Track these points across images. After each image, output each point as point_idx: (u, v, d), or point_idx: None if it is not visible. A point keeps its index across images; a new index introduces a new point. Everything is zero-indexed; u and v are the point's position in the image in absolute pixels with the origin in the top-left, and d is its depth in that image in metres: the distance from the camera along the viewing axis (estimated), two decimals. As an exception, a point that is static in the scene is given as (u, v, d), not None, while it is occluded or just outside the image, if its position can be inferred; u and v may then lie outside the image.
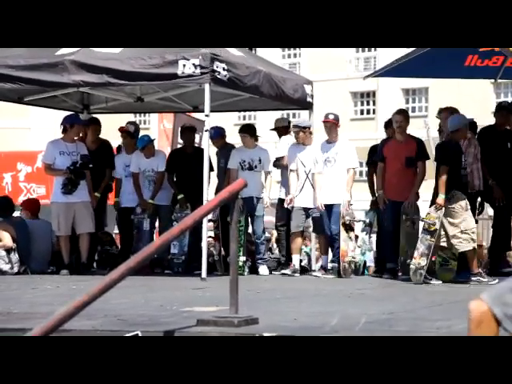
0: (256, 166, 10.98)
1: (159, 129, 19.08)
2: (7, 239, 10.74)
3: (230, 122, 22.00)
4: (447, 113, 9.98)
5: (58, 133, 11.41)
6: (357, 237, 12.21)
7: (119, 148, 11.88)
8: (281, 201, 11.10)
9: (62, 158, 10.65)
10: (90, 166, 10.74)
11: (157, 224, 11.55)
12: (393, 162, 10.08)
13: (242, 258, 10.53)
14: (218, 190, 10.34)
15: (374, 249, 12.94)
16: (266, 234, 13.64)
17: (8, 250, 10.71)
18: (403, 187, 9.88)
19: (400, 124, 10.11)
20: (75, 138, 10.85)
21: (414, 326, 5.35)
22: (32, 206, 11.46)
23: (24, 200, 12.28)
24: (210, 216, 10.40)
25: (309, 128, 10.88)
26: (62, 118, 11.04)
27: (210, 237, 11.40)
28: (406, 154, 10.02)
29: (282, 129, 11.64)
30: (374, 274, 11.30)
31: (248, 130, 11.26)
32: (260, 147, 11.26)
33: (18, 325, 5.52)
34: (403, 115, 10.33)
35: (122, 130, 11.62)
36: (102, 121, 11.73)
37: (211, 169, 10.77)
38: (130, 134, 11.52)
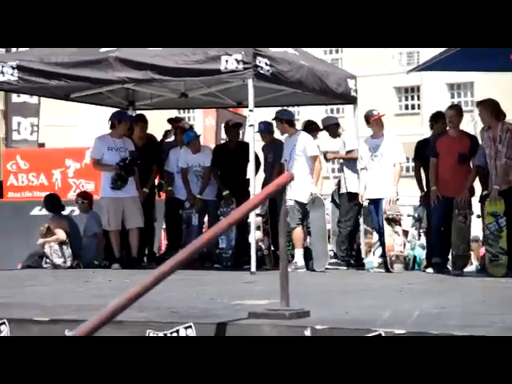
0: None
1: (204, 124, 19.16)
2: (61, 234, 10.94)
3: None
4: (484, 105, 9.81)
5: (104, 129, 11.53)
6: (407, 232, 12.15)
7: (166, 134, 12.00)
8: (348, 195, 10.90)
9: (110, 153, 10.72)
10: (139, 162, 10.82)
11: (205, 219, 11.60)
12: (446, 157, 10.02)
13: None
14: (264, 185, 10.34)
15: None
16: None
17: (61, 244, 10.88)
18: (456, 183, 9.81)
19: (452, 119, 10.06)
20: (123, 134, 10.94)
21: (466, 321, 5.31)
22: (90, 197, 11.66)
23: (79, 192, 12.45)
24: (258, 211, 10.44)
25: (286, 121, 10.79)
26: (111, 114, 11.14)
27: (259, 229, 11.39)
28: (460, 149, 9.95)
29: (333, 126, 11.44)
30: (424, 269, 11.24)
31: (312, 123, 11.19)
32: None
33: (73, 316, 5.61)
34: (456, 110, 10.26)
35: (176, 126, 11.80)
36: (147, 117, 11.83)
37: (258, 163, 10.78)
38: (184, 131, 11.65)
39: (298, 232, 10.49)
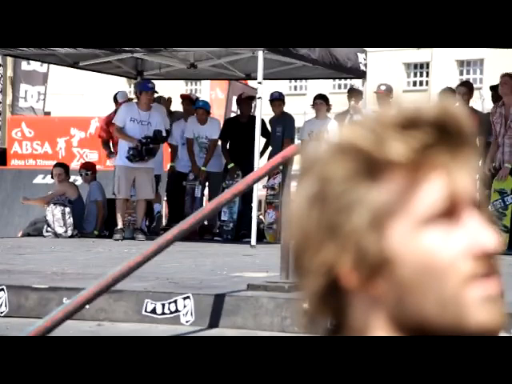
0: None
1: (210, 98, 19.10)
2: (71, 193, 11.01)
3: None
4: (510, 78, 9.71)
5: (111, 101, 11.46)
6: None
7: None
8: None
9: (132, 125, 10.45)
10: (162, 142, 10.74)
11: (206, 191, 11.58)
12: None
13: None
14: (271, 158, 10.33)
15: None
16: None
17: (63, 214, 10.88)
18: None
19: (463, 96, 9.99)
20: (151, 105, 10.61)
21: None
22: (93, 167, 11.64)
23: (83, 163, 12.43)
24: (264, 183, 10.41)
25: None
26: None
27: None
28: (468, 126, 9.90)
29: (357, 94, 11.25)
30: None
31: (324, 97, 11.09)
32: (329, 118, 11.03)
33: (72, 284, 5.60)
34: (467, 87, 10.20)
35: (184, 96, 11.73)
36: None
37: (268, 136, 10.72)
38: (192, 102, 11.58)
39: None
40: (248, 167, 10.33)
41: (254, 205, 9.78)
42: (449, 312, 0.92)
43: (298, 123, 11.96)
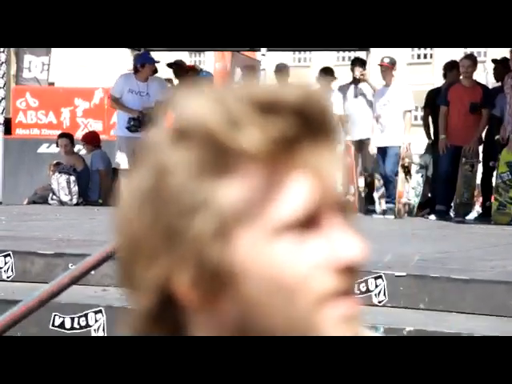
0: None
1: (214, 69, 19.07)
2: (78, 164, 11.08)
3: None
4: None
5: (114, 71, 11.43)
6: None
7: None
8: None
9: (130, 96, 10.35)
10: None
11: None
12: (457, 106, 9.98)
13: None
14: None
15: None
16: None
17: (69, 182, 10.93)
18: (465, 132, 9.80)
19: (467, 69, 9.99)
20: (148, 77, 10.51)
21: (467, 265, 5.34)
22: (93, 138, 11.65)
23: (84, 134, 12.45)
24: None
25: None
26: (133, 56, 10.98)
27: None
28: (471, 99, 9.91)
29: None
30: (421, 215, 11.25)
31: (329, 70, 11.11)
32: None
33: (77, 251, 5.65)
34: (471, 60, 10.21)
35: (189, 67, 11.79)
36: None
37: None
38: (197, 72, 11.61)
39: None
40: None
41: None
42: (299, 332, 0.77)
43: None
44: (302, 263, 0.77)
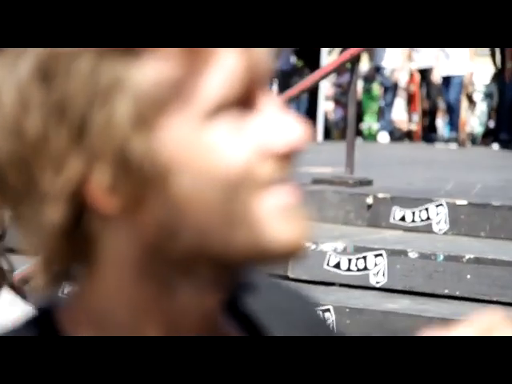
0: None
1: None
2: None
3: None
4: None
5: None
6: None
7: None
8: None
9: None
10: None
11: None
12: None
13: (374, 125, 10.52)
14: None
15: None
16: None
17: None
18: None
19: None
20: None
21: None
22: None
23: None
24: (333, 79, 10.38)
25: None
26: None
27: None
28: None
29: None
30: (484, 144, 11.18)
31: None
32: None
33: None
34: None
35: None
36: None
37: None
38: None
39: None
40: (316, 65, 10.31)
41: (321, 100, 9.81)
42: (241, 231, 0.67)
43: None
44: (241, 149, 0.66)
